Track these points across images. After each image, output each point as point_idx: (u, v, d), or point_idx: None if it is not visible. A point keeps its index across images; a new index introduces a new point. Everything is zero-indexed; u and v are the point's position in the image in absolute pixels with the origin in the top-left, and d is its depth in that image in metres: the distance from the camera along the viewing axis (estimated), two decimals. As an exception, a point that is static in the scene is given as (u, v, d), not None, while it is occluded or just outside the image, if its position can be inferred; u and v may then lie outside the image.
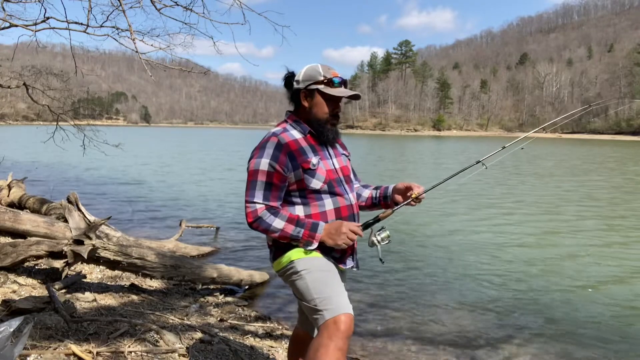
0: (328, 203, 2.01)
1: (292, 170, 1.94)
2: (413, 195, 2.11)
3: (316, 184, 1.98)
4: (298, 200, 2.00)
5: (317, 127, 2.04)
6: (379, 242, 2.06)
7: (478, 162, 2.33)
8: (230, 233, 8.13)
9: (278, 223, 1.92)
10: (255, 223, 1.93)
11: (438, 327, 4.36)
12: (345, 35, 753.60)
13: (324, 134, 2.04)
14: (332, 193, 2.02)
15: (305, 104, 2.04)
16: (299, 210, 1.99)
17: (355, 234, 1.96)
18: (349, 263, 2.11)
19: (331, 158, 2.09)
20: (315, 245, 1.94)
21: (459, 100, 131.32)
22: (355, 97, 2.05)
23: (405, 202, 2.14)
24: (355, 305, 4.93)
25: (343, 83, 2.05)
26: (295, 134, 2.02)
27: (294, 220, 1.93)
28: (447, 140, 76.58)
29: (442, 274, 6.02)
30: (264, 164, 1.92)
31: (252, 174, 1.94)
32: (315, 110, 2.03)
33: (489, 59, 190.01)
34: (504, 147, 2.42)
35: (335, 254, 2.03)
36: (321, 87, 2.00)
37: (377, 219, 2.10)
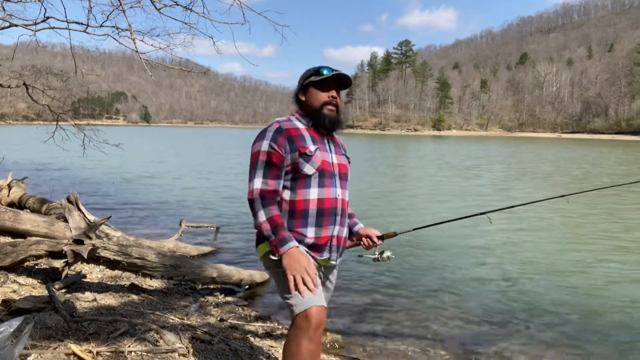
0: (314, 192, 2.05)
1: (289, 152, 2.03)
2: (377, 243, 2.35)
3: (309, 169, 2.04)
4: (287, 183, 2.06)
5: (314, 114, 2.14)
6: (380, 259, 2.32)
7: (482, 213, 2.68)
8: (230, 233, 8.13)
9: (262, 215, 1.98)
10: (250, 202, 2.03)
11: (438, 327, 4.36)
12: (346, 35, 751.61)
13: (319, 119, 2.13)
14: (321, 183, 2.07)
15: (303, 98, 2.19)
16: (285, 194, 2.06)
17: (311, 279, 1.91)
18: (326, 255, 2.11)
19: (330, 152, 2.15)
20: (275, 258, 1.97)
21: (459, 100, 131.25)
22: (343, 77, 2.14)
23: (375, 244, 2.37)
24: (355, 305, 4.95)
25: (336, 74, 2.13)
26: (298, 124, 2.14)
27: (274, 222, 1.96)
28: (446, 140, 76.50)
29: (443, 274, 6.02)
30: (265, 145, 2.04)
31: (254, 156, 2.05)
32: (310, 101, 2.16)
33: (489, 58, 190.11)
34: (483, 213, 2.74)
35: (316, 243, 2.05)
36: (312, 78, 2.15)
37: (381, 237, 2.36)
